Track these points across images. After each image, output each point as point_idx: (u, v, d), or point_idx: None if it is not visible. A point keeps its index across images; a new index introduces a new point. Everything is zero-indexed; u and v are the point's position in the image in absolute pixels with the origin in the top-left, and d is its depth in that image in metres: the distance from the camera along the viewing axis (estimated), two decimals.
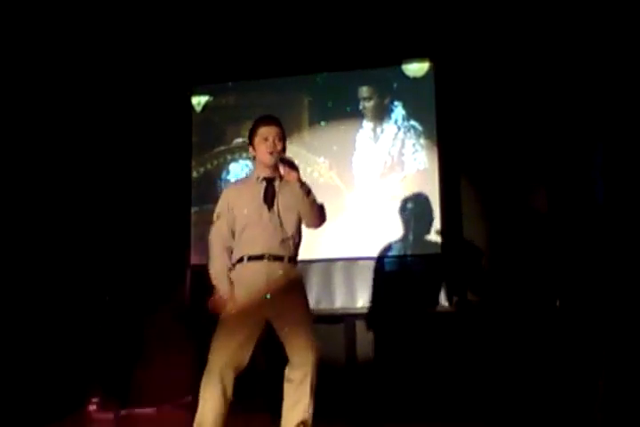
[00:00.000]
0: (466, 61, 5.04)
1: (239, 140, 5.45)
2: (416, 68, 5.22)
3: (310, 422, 3.12)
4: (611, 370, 3.91)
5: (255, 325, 3.08)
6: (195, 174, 5.48)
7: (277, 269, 3.07)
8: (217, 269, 3.13)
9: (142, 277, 5.16)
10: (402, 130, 5.17)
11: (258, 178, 3.18)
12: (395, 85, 5.24)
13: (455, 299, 4.82)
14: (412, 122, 5.16)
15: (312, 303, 5.01)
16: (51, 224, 5.02)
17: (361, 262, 5.05)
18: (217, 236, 3.17)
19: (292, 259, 3.14)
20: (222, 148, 5.36)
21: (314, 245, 5.10)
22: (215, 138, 5.51)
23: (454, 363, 4.69)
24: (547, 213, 4.71)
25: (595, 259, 4.33)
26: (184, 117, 5.53)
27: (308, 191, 3.06)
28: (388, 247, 5.01)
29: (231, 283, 3.08)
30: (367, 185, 5.19)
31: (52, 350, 4.81)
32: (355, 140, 5.25)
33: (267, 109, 5.44)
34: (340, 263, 5.12)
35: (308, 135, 5.38)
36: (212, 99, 5.61)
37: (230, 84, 5.57)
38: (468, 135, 5.01)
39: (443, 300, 4.83)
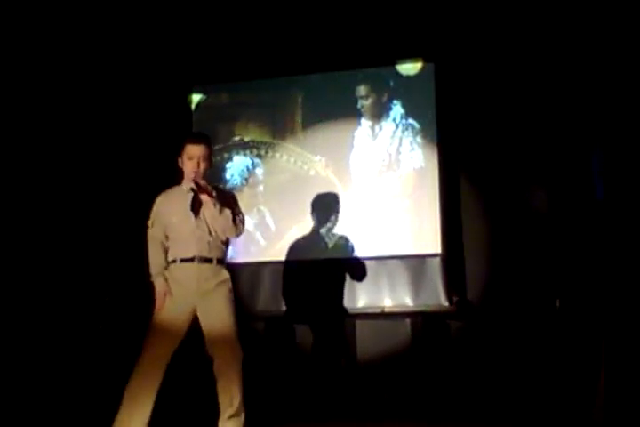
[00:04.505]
0: (466, 60, 5.02)
1: (235, 138, 5.44)
2: (409, 67, 5.20)
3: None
4: (611, 370, 3.92)
5: (185, 319, 3.44)
6: None
7: (206, 270, 3.45)
8: (155, 269, 3.52)
9: (142, 277, 5.12)
10: (399, 128, 5.15)
11: (186, 188, 3.51)
12: (391, 84, 5.21)
13: (455, 299, 4.83)
14: (410, 120, 5.14)
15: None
16: (50, 225, 4.99)
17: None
18: (153, 239, 3.57)
19: (221, 260, 3.52)
20: (218, 146, 5.28)
21: (313, 244, 5.13)
22: (211, 137, 5.45)
23: (454, 363, 4.71)
24: (546, 213, 4.72)
25: (594, 258, 4.34)
26: (183, 116, 5.49)
27: (220, 209, 3.42)
28: (386, 246, 5.00)
29: (165, 279, 3.48)
30: (364, 183, 5.17)
31: (50, 350, 4.80)
32: (351, 139, 5.22)
33: (261, 108, 5.48)
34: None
35: (302, 134, 5.36)
36: (205, 98, 5.57)
37: (225, 83, 5.52)
38: (468, 134, 5.00)
39: (443, 300, 4.83)
